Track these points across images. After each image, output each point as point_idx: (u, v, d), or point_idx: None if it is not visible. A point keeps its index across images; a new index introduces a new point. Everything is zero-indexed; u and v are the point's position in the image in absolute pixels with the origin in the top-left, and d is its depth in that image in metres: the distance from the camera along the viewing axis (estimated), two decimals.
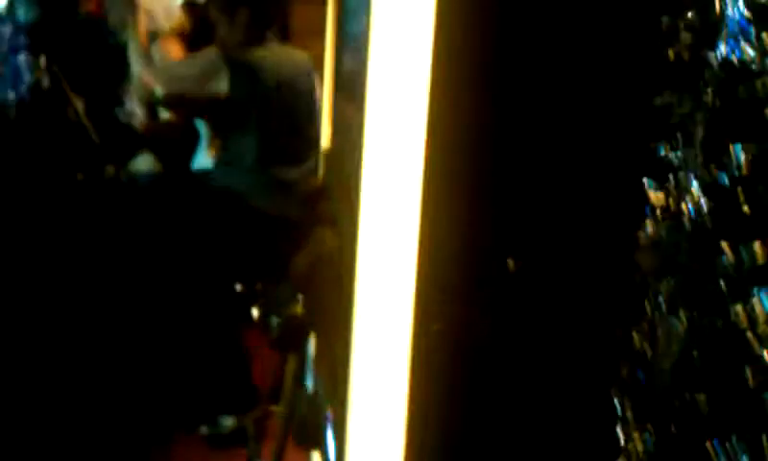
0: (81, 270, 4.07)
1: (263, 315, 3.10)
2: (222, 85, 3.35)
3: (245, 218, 3.42)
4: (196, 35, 3.78)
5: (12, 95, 3.79)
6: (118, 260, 3.74)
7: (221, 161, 3.61)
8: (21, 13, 4.96)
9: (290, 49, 3.63)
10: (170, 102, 3.52)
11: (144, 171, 3.76)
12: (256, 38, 3.43)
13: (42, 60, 4.14)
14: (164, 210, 3.71)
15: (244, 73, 3.34)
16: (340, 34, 1.55)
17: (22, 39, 3.91)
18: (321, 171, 2.61)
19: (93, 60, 3.66)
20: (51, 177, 4.03)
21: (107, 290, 3.84)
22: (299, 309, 2.99)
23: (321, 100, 3.49)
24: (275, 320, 3.00)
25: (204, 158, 3.69)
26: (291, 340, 3.04)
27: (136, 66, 3.59)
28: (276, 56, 3.47)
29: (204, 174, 3.66)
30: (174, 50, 3.61)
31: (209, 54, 3.44)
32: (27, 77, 3.87)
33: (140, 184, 3.68)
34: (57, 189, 4.10)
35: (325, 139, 2.39)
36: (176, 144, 3.71)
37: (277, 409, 3.36)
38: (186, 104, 3.47)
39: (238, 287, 3.47)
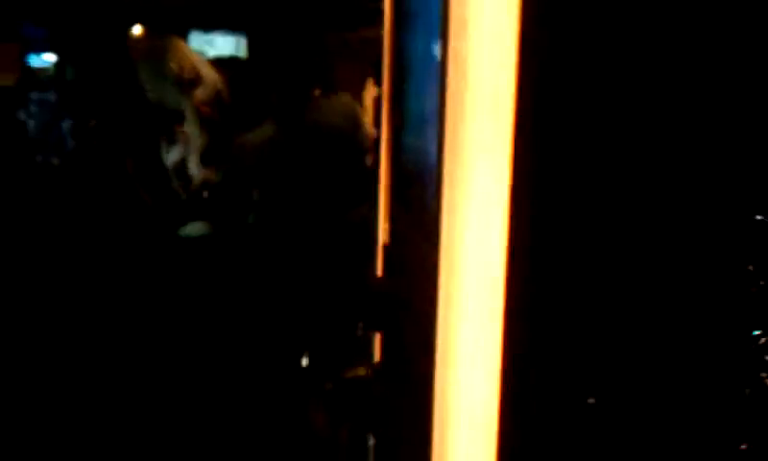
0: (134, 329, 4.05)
1: (315, 378, 2.99)
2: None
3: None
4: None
5: (55, 160, 3.80)
6: (168, 316, 3.70)
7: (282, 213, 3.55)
8: (68, 74, 5.04)
9: (335, 99, 3.56)
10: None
11: (196, 234, 3.71)
12: (306, 97, 3.39)
13: (91, 123, 4.16)
14: (221, 270, 3.65)
15: (299, 134, 3.30)
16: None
17: (66, 106, 3.93)
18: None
19: (141, 121, 3.64)
20: (97, 235, 4.02)
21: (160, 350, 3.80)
22: (357, 372, 2.87)
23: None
24: (328, 384, 2.89)
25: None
26: (346, 404, 2.92)
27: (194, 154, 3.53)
28: (326, 108, 3.42)
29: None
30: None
31: (268, 130, 3.39)
32: (70, 142, 3.89)
33: (193, 246, 3.62)
34: (102, 245, 4.10)
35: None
36: (230, 207, 3.66)
37: None
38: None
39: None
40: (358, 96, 3.78)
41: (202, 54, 3.92)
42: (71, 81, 5.01)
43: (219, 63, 3.94)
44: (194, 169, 3.50)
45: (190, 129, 3.52)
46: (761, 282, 0.84)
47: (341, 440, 3.03)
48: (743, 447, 0.85)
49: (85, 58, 5.11)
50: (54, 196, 3.48)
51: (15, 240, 3.20)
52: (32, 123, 3.81)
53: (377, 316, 1.25)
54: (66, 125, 3.90)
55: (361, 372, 2.88)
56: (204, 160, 3.54)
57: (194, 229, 3.61)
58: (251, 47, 4.68)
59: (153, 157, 3.57)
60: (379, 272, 1.38)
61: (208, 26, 5.76)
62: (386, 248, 1.31)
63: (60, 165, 3.82)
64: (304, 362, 3.32)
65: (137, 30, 5.81)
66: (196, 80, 3.54)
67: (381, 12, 1.50)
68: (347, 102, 3.55)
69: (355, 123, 3.48)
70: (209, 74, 3.64)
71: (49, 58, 5.11)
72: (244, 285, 3.57)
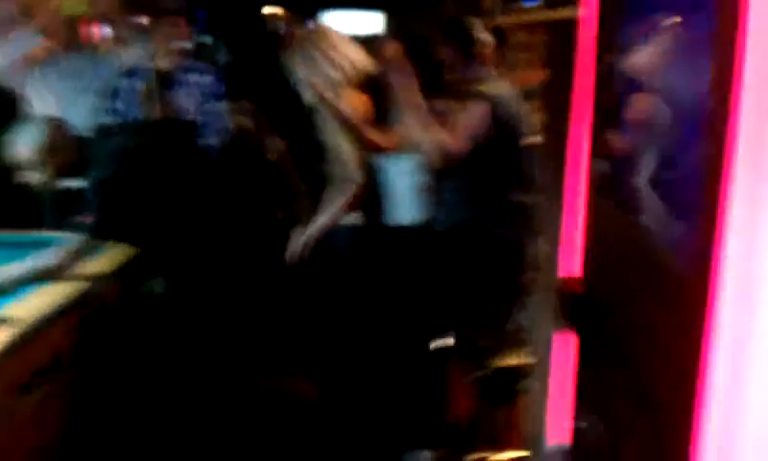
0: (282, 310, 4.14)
1: (468, 365, 2.99)
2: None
3: (481, 253, 3.33)
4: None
5: (213, 141, 3.88)
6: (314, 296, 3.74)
7: (446, 200, 3.52)
8: (221, 58, 5.16)
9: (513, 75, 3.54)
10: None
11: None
12: (483, 72, 3.36)
13: (244, 105, 4.24)
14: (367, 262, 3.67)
15: (489, 108, 3.27)
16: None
17: (222, 87, 4.00)
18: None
19: (292, 102, 3.66)
20: (252, 216, 4.10)
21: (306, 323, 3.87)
22: (508, 361, 2.85)
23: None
24: (480, 372, 2.88)
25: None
26: (496, 390, 2.90)
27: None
28: (505, 86, 3.38)
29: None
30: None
31: (480, 111, 3.35)
32: (226, 123, 3.96)
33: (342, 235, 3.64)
34: (258, 228, 4.18)
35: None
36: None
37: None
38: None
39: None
40: None
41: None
42: (226, 63, 5.14)
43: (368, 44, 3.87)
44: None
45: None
46: None
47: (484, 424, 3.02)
48: None
49: (239, 40, 5.24)
50: (213, 179, 3.56)
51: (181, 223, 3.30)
52: (189, 104, 3.91)
53: (579, 318, 1.22)
54: (222, 106, 3.98)
55: (511, 361, 2.86)
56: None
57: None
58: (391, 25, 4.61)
59: (308, 142, 3.59)
60: (580, 272, 1.34)
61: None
62: (590, 249, 1.28)
63: (218, 147, 3.91)
64: (450, 341, 3.31)
65: (278, 12, 5.90)
66: (347, 69, 3.51)
67: None
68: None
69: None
70: (361, 60, 3.60)
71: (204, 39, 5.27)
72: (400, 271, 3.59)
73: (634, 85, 1.28)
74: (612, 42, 1.30)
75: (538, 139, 3.27)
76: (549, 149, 2.21)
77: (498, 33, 3.57)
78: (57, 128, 3.10)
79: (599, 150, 1.31)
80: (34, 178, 3.07)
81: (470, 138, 3.26)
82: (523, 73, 4.09)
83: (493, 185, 3.34)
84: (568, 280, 1.36)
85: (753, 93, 0.67)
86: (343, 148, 3.40)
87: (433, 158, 3.33)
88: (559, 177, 1.71)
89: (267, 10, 5.66)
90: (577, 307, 1.22)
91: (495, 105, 3.26)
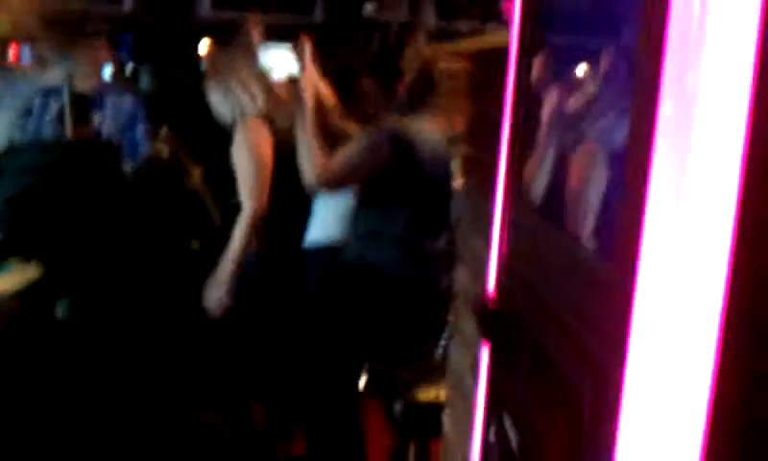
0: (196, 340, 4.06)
1: (387, 398, 2.95)
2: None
3: (386, 293, 3.30)
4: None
5: (129, 166, 3.81)
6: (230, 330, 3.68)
7: (360, 234, 3.50)
8: (144, 84, 5.10)
9: (438, 118, 3.52)
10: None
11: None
12: (411, 109, 3.36)
13: (163, 131, 4.18)
14: (273, 288, 3.62)
15: (402, 146, 3.25)
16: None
17: (141, 111, 3.95)
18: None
19: (212, 130, 3.64)
20: (166, 244, 4.03)
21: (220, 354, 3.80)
22: (425, 394, 2.84)
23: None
24: (398, 404, 2.85)
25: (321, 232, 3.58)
26: (414, 426, 2.88)
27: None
28: (429, 126, 3.37)
29: (332, 249, 3.54)
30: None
31: (372, 134, 3.34)
32: (145, 148, 3.91)
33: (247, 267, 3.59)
34: (172, 256, 4.10)
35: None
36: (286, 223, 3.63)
37: None
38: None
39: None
40: None
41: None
42: (146, 88, 5.09)
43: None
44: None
45: None
46: None
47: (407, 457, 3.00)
48: None
49: (161, 67, 5.20)
50: (126, 203, 3.49)
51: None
52: (108, 127, 3.84)
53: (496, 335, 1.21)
54: (141, 130, 3.92)
55: (431, 395, 2.85)
56: None
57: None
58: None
59: (223, 170, 3.56)
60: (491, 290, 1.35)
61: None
62: (502, 265, 1.28)
63: (134, 171, 3.84)
64: (362, 384, 3.29)
65: (206, 43, 5.89)
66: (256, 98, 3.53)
67: None
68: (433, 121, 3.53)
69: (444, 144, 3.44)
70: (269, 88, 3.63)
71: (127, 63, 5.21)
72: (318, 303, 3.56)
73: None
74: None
75: (459, 183, 3.31)
76: (473, 183, 2.23)
77: (426, 74, 3.58)
78: None
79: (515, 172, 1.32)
80: None
81: (350, 166, 3.27)
82: (450, 117, 4.14)
83: (400, 223, 3.33)
84: (484, 298, 1.36)
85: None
86: (239, 171, 3.41)
87: (307, 178, 3.32)
88: (483, 209, 1.73)
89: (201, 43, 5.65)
90: (490, 321, 1.22)
91: (399, 139, 3.27)
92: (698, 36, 0.62)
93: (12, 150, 3.12)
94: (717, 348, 0.64)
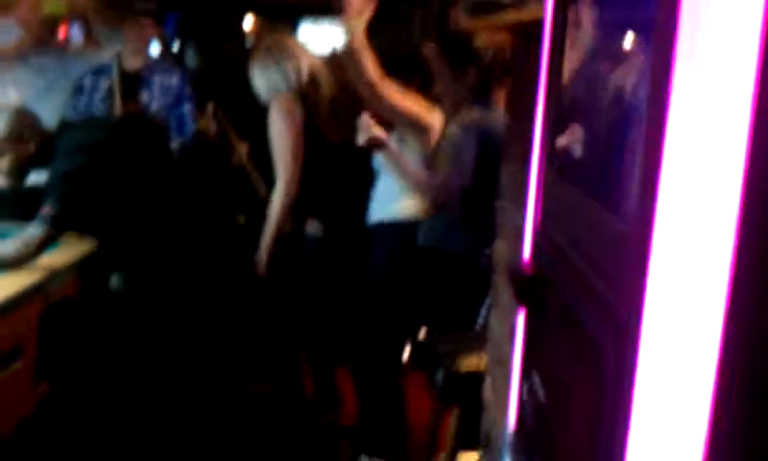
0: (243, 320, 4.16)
1: (429, 368, 3.01)
2: None
3: (451, 275, 3.35)
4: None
5: (176, 143, 3.90)
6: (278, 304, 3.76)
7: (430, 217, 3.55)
8: (189, 61, 5.18)
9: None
10: None
11: (311, 234, 3.75)
12: (480, 101, 3.35)
13: (209, 108, 4.26)
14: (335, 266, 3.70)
15: (484, 139, 3.27)
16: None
17: (188, 88, 4.03)
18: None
19: (256, 106, 3.70)
20: (213, 219, 4.11)
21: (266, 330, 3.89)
22: (466, 363, 2.88)
23: None
24: (439, 374, 2.90)
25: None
26: (454, 394, 2.93)
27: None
28: (495, 121, 3.37)
29: (397, 226, 3.60)
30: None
31: (461, 135, 3.35)
32: (191, 126, 3.99)
33: (310, 246, 3.67)
34: (218, 231, 4.19)
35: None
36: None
37: (438, 459, 3.26)
38: None
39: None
40: None
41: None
42: (192, 65, 5.17)
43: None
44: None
45: None
46: None
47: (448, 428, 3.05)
48: None
49: (206, 43, 5.27)
50: (174, 180, 3.57)
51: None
52: (155, 104, 3.92)
53: (527, 296, 1.25)
54: (187, 108, 4.00)
55: (472, 365, 2.89)
56: None
57: (311, 228, 3.66)
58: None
59: (268, 146, 3.63)
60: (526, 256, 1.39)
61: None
62: (538, 230, 1.32)
63: (180, 146, 3.92)
64: (405, 356, 3.35)
65: (251, 19, 5.93)
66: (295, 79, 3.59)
67: None
68: None
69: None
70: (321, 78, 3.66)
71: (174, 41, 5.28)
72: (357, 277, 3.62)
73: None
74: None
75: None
76: (513, 155, 2.26)
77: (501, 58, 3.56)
78: (21, 116, 3.09)
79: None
80: None
81: (458, 174, 3.29)
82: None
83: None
84: (519, 263, 1.40)
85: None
86: (274, 146, 3.50)
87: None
88: (521, 179, 1.76)
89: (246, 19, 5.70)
90: (524, 286, 1.26)
91: (482, 132, 3.29)
92: None
93: (65, 128, 3.21)
94: (726, 305, 0.68)
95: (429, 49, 3.52)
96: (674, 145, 0.71)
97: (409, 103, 3.45)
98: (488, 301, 3.05)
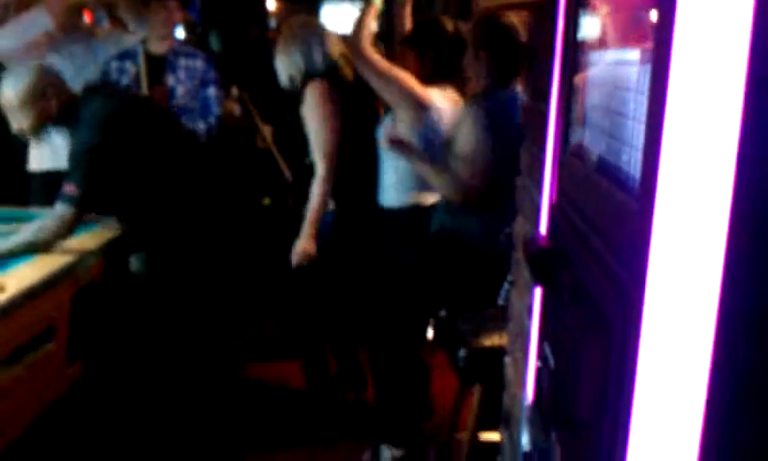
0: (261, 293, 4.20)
1: (452, 346, 3.04)
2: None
3: (469, 261, 3.37)
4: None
5: (202, 126, 3.94)
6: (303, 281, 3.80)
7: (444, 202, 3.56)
8: (213, 44, 5.21)
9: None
10: None
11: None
12: (501, 83, 3.33)
13: (234, 91, 4.30)
14: (350, 244, 3.73)
15: (493, 118, 3.26)
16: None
17: (213, 72, 4.06)
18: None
19: (280, 89, 3.73)
20: (240, 201, 4.14)
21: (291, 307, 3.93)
22: (488, 341, 2.91)
23: None
24: (462, 351, 2.93)
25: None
26: (477, 372, 2.96)
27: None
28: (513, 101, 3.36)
29: (407, 210, 3.62)
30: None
31: (476, 120, 3.33)
32: (216, 109, 4.02)
33: (324, 223, 3.70)
34: (245, 212, 4.23)
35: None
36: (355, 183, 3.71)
37: (460, 437, 3.30)
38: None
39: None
40: None
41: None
42: (216, 48, 5.20)
43: None
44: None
45: None
46: None
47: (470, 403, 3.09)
48: None
49: (229, 26, 5.30)
50: (200, 162, 3.60)
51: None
52: (181, 88, 3.97)
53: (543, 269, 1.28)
54: (212, 91, 4.04)
55: (493, 341, 2.92)
56: None
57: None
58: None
59: (294, 130, 3.65)
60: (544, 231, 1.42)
61: None
62: (553, 207, 1.35)
63: (206, 129, 3.96)
64: (429, 334, 3.38)
65: (274, 2, 5.96)
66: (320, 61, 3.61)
67: None
68: None
69: None
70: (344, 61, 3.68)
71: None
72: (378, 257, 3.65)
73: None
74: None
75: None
76: (532, 133, 2.28)
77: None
78: (44, 72, 3.12)
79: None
80: (19, 123, 3.09)
81: (480, 161, 3.28)
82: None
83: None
84: (535, 238, 1.43)
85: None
86: (311, 131, 3.52)
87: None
88: (539, 157, 1.78)
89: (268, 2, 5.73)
90: (539, 260, 1.29)
91: (490, 111, 3.27)
92: None
93: (89, 94, 3.23)
94: (723, 277, 0.71)
95: (453, 24, 3.51)
96: (675, 123, 0.74)
97: (401, 74, 3.45)
98: (508, 279, 3.08)
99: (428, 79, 3.50)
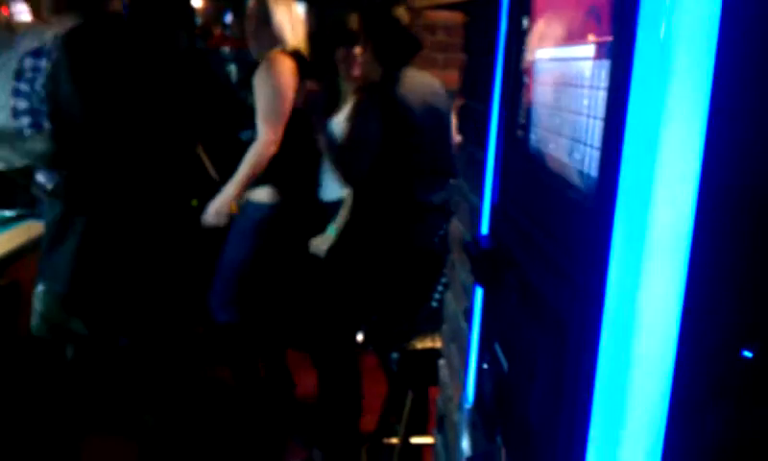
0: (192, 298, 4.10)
1: (384, 349, 3.02)
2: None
3: (386, 248, 3.35)
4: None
5: None
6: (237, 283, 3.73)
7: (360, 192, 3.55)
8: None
9: (424, 73, 3.52)
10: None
11: (264, 201, 3.71)
12: (390, 73, 3.35)
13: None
14: (287, 239, 3.68)
15: (387, 110, 3.27)
16: None
17: None
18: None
19: (205, 94, 3.67)
20: (169, 202, 4.04)
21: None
22: (421, 343, 2.90)
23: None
24: (394, 354, 2.92)
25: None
26: (412, 375, 2.95)
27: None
28: (412, 80, 3.38)
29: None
30: (287, 68, 3.56)
31: (361, 112, 3.35)
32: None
33: (262, 214, 3.64)
34: (174, 214, 4.13)
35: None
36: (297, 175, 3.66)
37: (393, 441, 3.28)
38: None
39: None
40: None
41: None
42: None
43: None
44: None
45: None
46: None
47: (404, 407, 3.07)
48: None
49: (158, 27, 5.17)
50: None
51: None
52: None
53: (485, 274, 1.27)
54: None
55: (427, 344, 2.92)
56: None
57: (262, 193, 3.64)
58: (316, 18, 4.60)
59: (219, 130, 3.60)
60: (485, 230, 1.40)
61: None
62: (495, 207, 1.33)
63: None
64: (360, 337, 3.35)
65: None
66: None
67: None
68: (435, 81, 3.54)
69: (443, 98, 3.46)
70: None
71: None
72: (307, 256, 3.60)
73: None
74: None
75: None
76: (468, 133, 2.27)
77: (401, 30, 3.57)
78: None
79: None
80: None
81: (362, 152, 3.32)
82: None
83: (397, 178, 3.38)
84: (477, 239, 1.41)
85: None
86: (259, 99, 3.49)
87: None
88: (477, 158, 1.77)
89: None
90: (483, 262, 1.27)
91: (385, 102, 3.31)
92: None
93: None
94: (688, 273, 0.70)
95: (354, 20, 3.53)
96: (636, 114, 0.72)
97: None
98: (442, 281, 3.08)
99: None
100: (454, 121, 3.41)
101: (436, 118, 3.38)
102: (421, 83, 3.41)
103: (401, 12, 3.36)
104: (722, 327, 0.71)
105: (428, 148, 3.36)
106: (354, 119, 3.30)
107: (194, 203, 4.17)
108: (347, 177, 3.32)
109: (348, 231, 3.46)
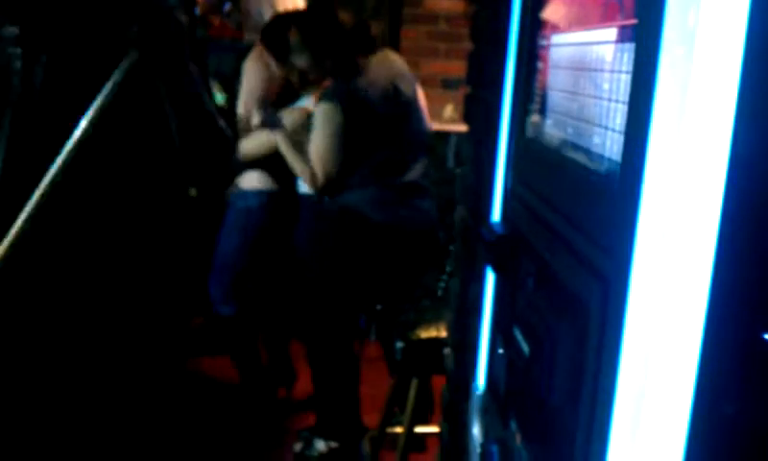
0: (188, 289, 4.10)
1: (388, 338, 3.02)
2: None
3: (364, 233, 3.34)
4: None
5: None
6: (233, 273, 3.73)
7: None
8: None
9: (387, 57, 3.51)
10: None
11: (254, 189, 3.71)
12: (350, 70, 3.35)
13: None
14: (280, 226, 3.68)
15: (351, 104, 3.27)
16: None
17: None
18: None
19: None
20: (168, 193, 4.03)
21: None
22: (426, 332, 2.90)
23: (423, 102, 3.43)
24: (399, 343, 2.92)
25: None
26: (416, 364, 2.95)
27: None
28: (375, 71, 3.37)
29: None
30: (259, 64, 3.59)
31: (328, 110, 3.35)
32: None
33: (254, 201, 3.64)
34: (172, 204, 4.12)
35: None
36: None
37: (397, 431, 3.29)
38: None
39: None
40: None
41: None
42: None
43: None
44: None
45: None
46: None
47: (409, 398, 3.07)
48: None
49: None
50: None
51: None
52: None
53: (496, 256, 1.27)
54: None
55: (431, 333, 2.92)
56: None
57: (252, 180, 3.65)
58: None
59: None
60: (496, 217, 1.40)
61: None
62: (507, 194, 1.33)
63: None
64: (362, 326, 3.35)
65: None
66: None
67: None
68: (395, 58, 3.54)
69: (408, 79, 3.45)
70: None
71: None
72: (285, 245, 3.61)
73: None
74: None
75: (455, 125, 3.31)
76: (475, 122, 2.26)
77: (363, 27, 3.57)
78: None
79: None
80: None
81: (334, 153, 3.33)
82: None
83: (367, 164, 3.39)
84: (488, 226, 1.41)
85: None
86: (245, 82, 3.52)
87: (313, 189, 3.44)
88: (485, 145, 1.76)
89: None
90: (496, 248, 1.27)
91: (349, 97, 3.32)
92: None
93: None
94: (716, 257, 0.69)
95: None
96: (665, 92, 0.71)
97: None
98: (447, 269, 3.08)
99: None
100: (423, 101, 3.43)
101: (401, 104, 3.39)
102: (384, 74, 3.40)
103: (343, 17, 3.36)
104: (748, 312, 0.70)
105: (395, 135, 3.38)
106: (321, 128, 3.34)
107: (193, 193, 4.16)
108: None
109: (325, 217, 3.49)
